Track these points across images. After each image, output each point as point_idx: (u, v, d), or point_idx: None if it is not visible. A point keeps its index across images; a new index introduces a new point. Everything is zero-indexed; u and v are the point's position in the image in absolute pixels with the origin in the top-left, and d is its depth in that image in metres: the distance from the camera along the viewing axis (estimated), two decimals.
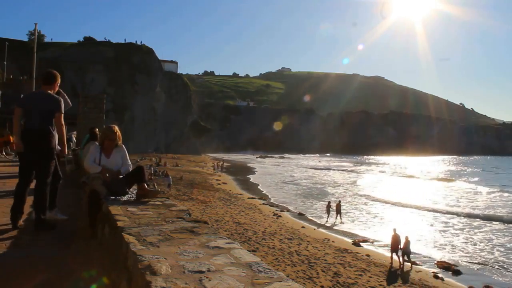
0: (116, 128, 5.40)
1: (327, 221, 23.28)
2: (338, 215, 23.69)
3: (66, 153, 5.20)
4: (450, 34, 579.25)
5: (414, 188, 42.55)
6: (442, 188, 43.47)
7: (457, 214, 26.57)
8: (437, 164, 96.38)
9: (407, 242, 15.10)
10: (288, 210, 26.80)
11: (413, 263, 15.13)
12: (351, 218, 24.95)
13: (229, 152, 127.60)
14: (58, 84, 5.31)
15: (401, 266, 14.63)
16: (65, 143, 5.31)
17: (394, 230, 16.19)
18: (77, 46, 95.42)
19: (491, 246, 18.97)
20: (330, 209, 23.97)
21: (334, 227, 22.29)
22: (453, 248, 18.54)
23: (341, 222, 23.26)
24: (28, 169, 4.91)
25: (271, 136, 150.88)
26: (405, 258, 14.85)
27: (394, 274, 13.90)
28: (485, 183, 48.60)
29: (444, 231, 21.99)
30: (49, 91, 5.05)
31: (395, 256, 15.07)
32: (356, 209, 28.18)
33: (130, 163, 5.43)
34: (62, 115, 5.01)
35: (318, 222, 23.38)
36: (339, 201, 24.77)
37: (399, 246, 15.14)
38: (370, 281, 12.70)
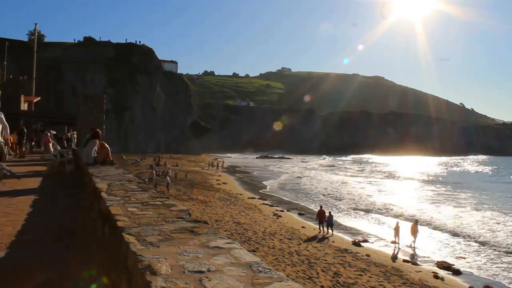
0: None
1: (397, 247, 18.08)
2: (413, 236, 18.38)
3: None
4: (450, 34, 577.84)
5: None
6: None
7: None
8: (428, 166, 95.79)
9: (330, 216, 20.44)
10: (289, 210, 26.79)
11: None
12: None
13: (229, 152, 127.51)
14: None
15: (325, 234, 19.78)
16: None
17: (321, 206, 21.98)
18: (77, 46, 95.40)
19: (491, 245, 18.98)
20: (399, 230, 18.63)
21: (414, 257, 16.90)
22: (453, 248, 18.55)
23: (415, 248, 18.01)
24: None
25: (271, 136, 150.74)
26: (329, 227, 20.17)
27: (316, 238, 18.89)
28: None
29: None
30: None
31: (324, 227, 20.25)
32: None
33: None
34: None
35: (384, 244, 18.52)
36: (416, 221, 19.39)
37: (324, 219, 20.37)
38: (370, 281, 12.70)
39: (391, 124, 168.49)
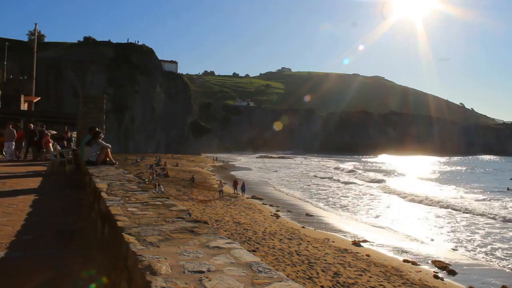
0: None
1: None
2: None
3: None
4: (451, 34, 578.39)
5: None
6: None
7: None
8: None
9: (243, 185, 31.34)
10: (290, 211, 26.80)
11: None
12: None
13: (229, 152, 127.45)
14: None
15: (237, 195, 29.59)
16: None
17: (236, 179, 33.35)
18: (77, 46, 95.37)
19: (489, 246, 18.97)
20: None
21: None
22: (453, 248, 18.53)
23: None
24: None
25: (271, 136, 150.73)
26: (242, 192, 30.59)
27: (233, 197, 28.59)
28: None
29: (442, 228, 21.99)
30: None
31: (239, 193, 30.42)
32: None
33: None
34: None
35: None
36: None
37: (238, 186, 31.11)
38: (370, 281, 12.69)
39: (392, 124, 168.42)
